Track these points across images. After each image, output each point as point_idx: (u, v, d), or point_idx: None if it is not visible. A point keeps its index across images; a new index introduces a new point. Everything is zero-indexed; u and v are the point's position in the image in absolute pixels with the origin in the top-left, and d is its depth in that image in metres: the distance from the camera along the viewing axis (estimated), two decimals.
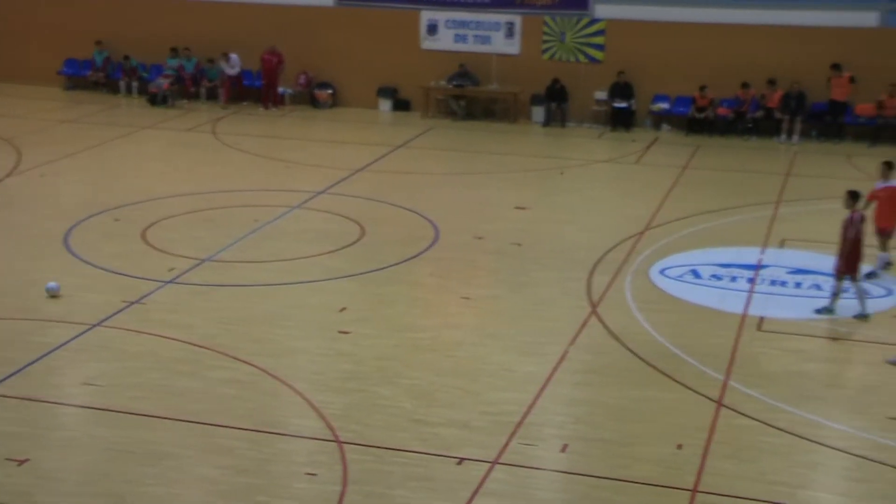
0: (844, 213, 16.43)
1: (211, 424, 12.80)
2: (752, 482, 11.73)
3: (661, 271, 18.27)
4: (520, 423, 12.93)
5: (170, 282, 17.36)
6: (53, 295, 16.64)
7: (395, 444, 12.42)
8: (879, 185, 18.03)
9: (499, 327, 15.92)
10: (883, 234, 17.98)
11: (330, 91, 31.62)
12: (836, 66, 27.24)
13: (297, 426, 12.87)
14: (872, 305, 16.58)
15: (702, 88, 28.25)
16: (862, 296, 16.32)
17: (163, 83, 31.41)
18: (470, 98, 30.48)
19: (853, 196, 16.28)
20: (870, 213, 17.65)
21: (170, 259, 18.37)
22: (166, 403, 13.31)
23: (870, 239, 17.43)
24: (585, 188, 23.91)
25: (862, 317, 16.19)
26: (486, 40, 30.14)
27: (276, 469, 11.93)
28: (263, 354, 14.71)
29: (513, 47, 30.06)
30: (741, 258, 18.85)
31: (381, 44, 30.69)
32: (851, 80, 27.25)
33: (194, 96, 32.10)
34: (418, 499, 11.32)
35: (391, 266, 18.36)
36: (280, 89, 31.39)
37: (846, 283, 16.32)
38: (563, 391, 13.92)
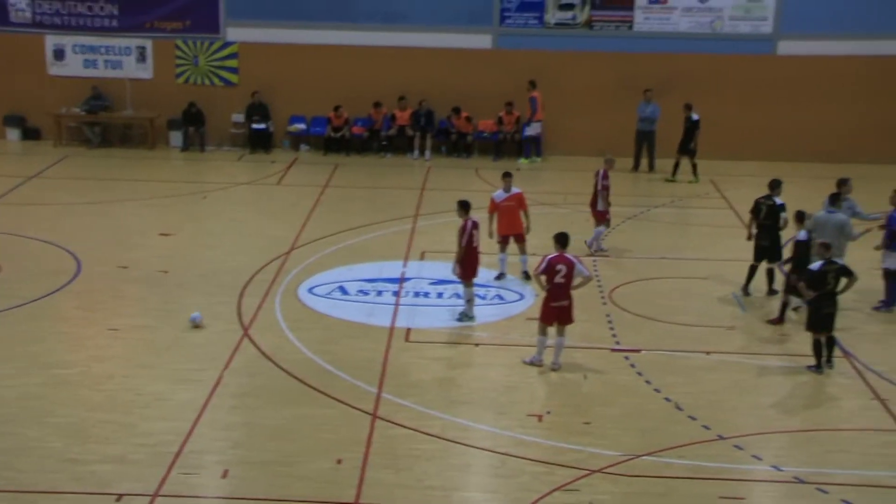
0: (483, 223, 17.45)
1: None
2: (410, 489, 12.24)
3: (310, 290, 18.61)
4: (178, 453, 12.83)
5: None
6: (196, 325, 16.59)
7: (48, 487, 12.00)
8: (500, 195, 19.06)
9: (150, 357, 15.69)
10: (506, 241, 19.03)
11: None
12: (455, 109, 28.80)
13: None
14: (507, 310, 17.72)
15: (336, 108, 28.93)
16: (471, 299, 17.34)
17: None
18: (105, 125, 29.67)
19: (462, 205, 17.28)
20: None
21: None
22: None
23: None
24: (229, 211, 23.90)
25: (467, 318, 17.26)
26: (117, 65, 29.45)
27: None
28: None
29: (146, 72, 29.56)
30: (385, 272, 19.52)
31: (4, 70, 29.30)
32: (469, 119, 28.92)
33: None
34: None
35: (32, 301, 17.64)
36: None
37: (468, 288, 17.32)
38: (220, 416, 13.92)
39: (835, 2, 28.28)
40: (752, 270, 18.65)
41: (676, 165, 27.06)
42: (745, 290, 18.66)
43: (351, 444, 13.16)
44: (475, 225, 17.20)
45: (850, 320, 17.47)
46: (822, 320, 15.61)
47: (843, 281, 15.78)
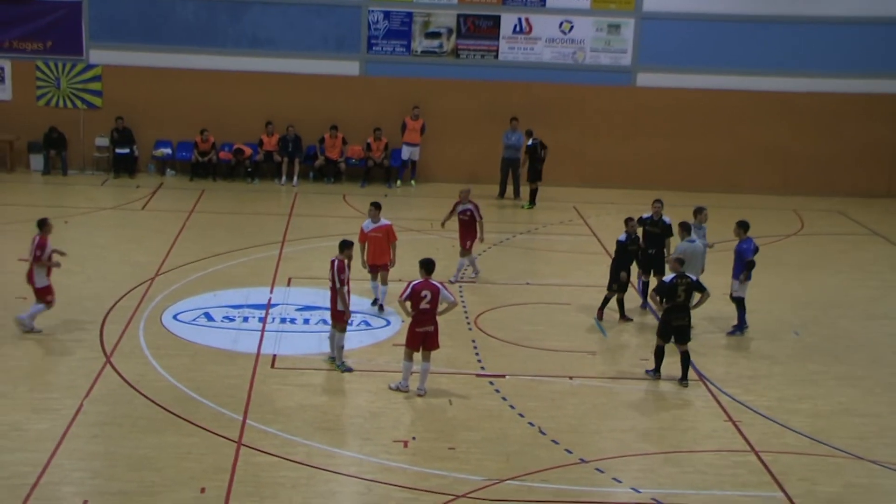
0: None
1: None
2: None
3: (175, 316, 18.41)
4: (35, 485, 12.56)
5: None
6: None
7: None
8: (368, 225, 18.87)
9: (6, 386, 15.30)
10: (374, 270, 18.93)
11: None
12: (333, 127, 28.78)
13: None
14: (373, 336, 17.82)
15: (202, 132, 28.67)
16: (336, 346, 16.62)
17: None
18: None
19: (340, 244, 16.57)
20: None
21: None
22: None
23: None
24: (92, 237, 23.44)
25: (334, 361, 16.66)
26: None
27: None
28: None
29: (4, 93, 28.87)
30: (252, 298, 19.42)
31: None
32: (344, 141, 29.01)
33: None
34: None
35: None
36: None
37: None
38: (79, 446, 13.68)
39: (689, 37, 29.27)
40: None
41: (531, 192, 27.60)
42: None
43: (215, 473, 13.07)
44: (337, 265, 16.19)
45: (704, 345, 18.07)
46: (671, 331, 16.45)
47: (696, 296, 16.58)
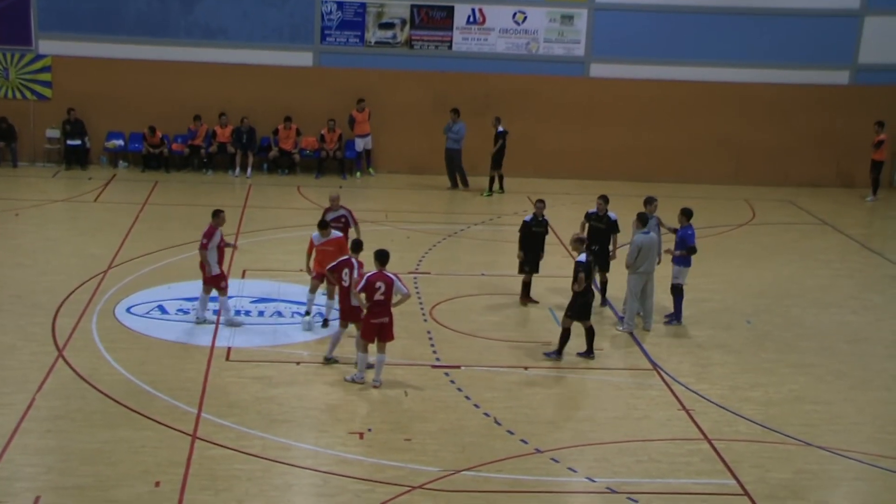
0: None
1: None
2: None
3: (128, 309, 18.29)
4: None
5: None
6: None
7: None
8: (318, 238, 17.89)
9: None
10: (320, 278, 17.92)
11: None
12: (287, 118, 28.70)
13: None
14: (329, 328, 17.74)
15: (150, 129, 28.33)
16: (335, 343, 16.58)
17: None
18: None
19: (357, 246, 16.59)
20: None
21: None
22: None
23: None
24: (44, 229, 23.19)
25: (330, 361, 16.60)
26: None
27: None
28: None
29: None
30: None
31: None
32: (298, 131, 28.93)
33: None
34: None
35: None
36: None
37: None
38: (31, 441, 13.57)
39: (642, 28, 29.42)
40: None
41: (491, 181, 27.72)
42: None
43: (170, 466, 13.02)
44: (347, 264, 16.16)
45: (658, 335, 18.22)
46: (588, 309, 16.99)
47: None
